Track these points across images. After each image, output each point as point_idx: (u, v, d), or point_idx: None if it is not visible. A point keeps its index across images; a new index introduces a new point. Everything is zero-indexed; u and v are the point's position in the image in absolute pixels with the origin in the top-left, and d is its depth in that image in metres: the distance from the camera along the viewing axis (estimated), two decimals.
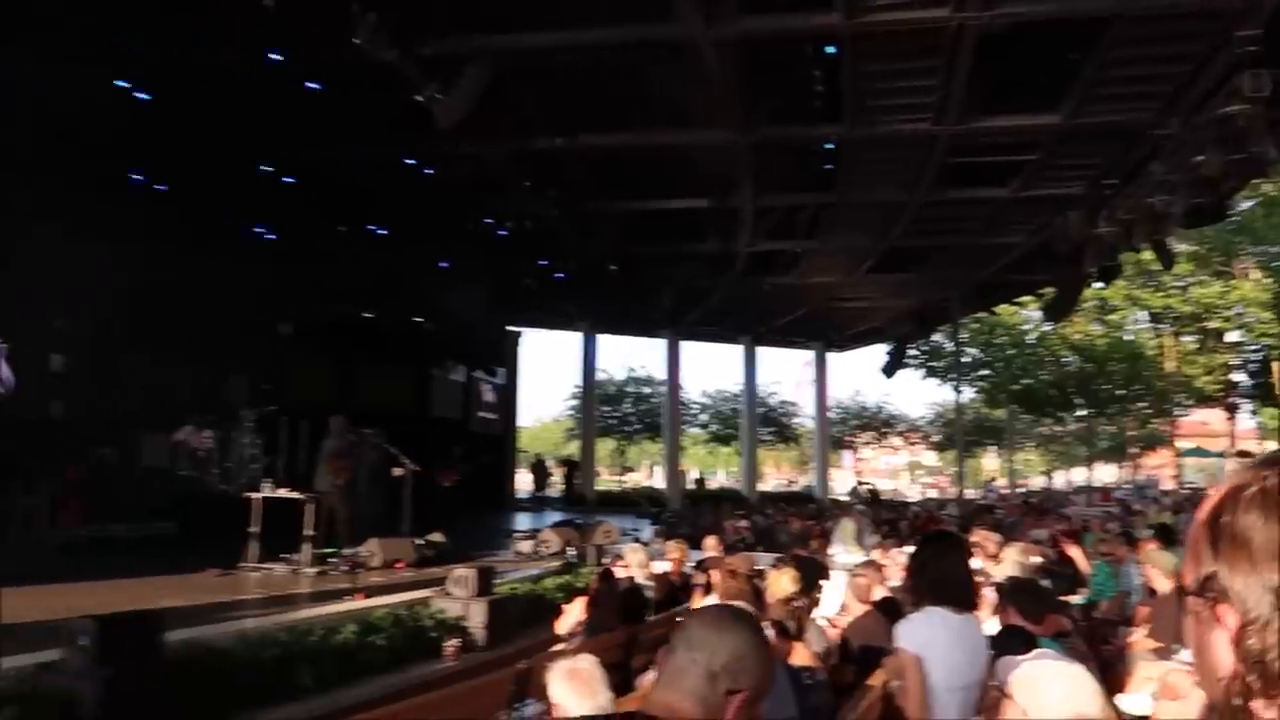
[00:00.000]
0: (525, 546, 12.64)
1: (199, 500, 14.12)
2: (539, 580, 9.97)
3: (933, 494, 44.57)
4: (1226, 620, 0.80)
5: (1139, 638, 6.11)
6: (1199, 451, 39.61)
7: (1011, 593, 4.52)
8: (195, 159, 14.11)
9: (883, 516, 17.27)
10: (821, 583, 6.24)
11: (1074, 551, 9.43)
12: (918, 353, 34.80)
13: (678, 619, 5.74)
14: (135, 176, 15.35)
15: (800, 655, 4.22)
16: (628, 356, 71.84)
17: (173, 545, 12.47)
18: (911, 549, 4.35)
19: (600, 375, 35.04)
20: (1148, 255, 18.26)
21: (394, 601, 7.85)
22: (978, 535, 8.12)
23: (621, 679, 5.61)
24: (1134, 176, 13.35)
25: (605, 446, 42.62)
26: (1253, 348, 34.12)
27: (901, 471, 63.35)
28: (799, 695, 3.62)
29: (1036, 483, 52.14)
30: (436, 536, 11.94)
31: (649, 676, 5.05)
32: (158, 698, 5.08)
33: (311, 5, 10.19)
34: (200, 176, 14.75)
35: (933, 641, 3.30)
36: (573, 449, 35.01)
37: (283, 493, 11.23)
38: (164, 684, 5.16)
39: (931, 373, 37.65)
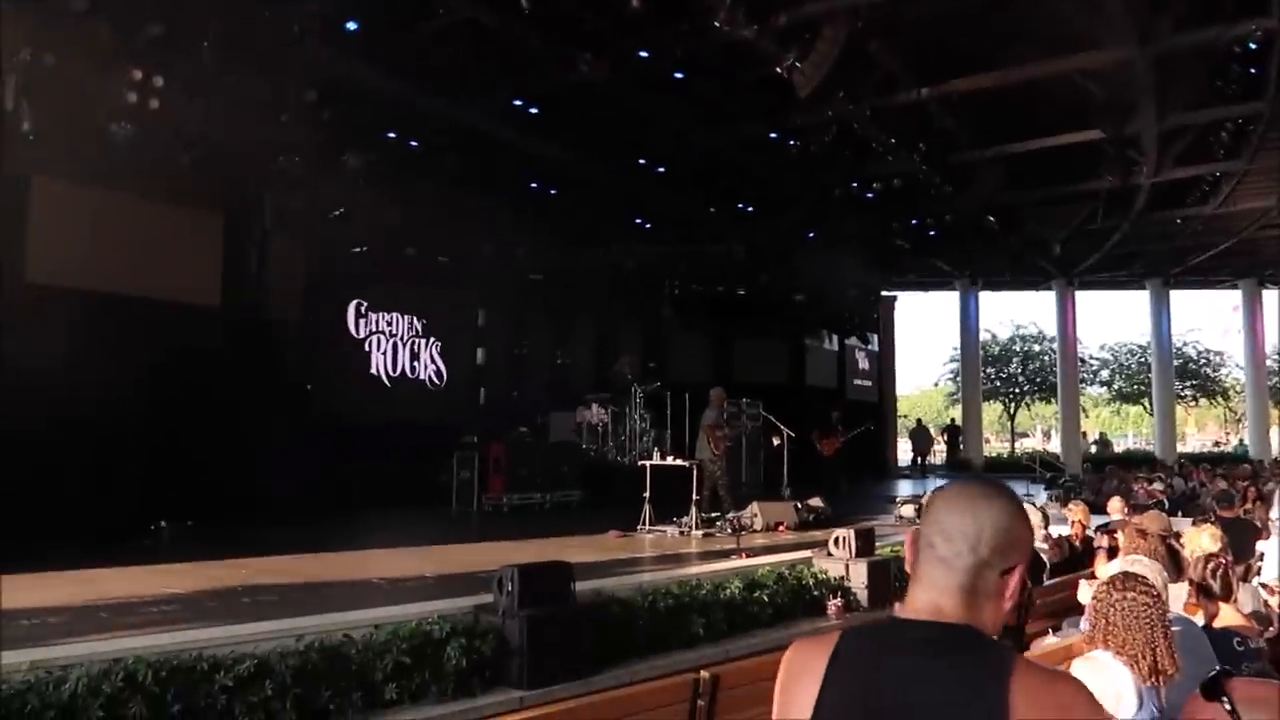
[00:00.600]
0: (907, 511, 12.30)
1: (600, 470, 15.51)
2: None
3: None
4: None
5: None
6: None
7: None
8: (580, 160, 15.42)
9: None
10: (1259, 547, 5.36)
11: None
12: None
13: (1080, 583, 5.27)
14: (532, 184, 17.13)
15: (1229, 618, 3.67)
16: (1012, 313, 67.06)
17: (579, 510, 13.86)
18: None
19: (983, 335, 32.99)
20: None
21: (776, 561, 8.05)
22: None
23: (1014, 642, 5.28)
24: None
25: (992, 411, 40.10)
26: None
27: None
28: (1229, 661, 3.15)
29: None
30: (816, 501, 12.03)
31: (1047, 641, 4.71)
32: (571, 636, 5.69)
33: None
34: (587, 175, 16.12)
35: None
36: (955, 415, 33.37)
37: (670, 461, 12.00)
38: (576, 625, 5.76)
39: None
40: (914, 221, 19.89)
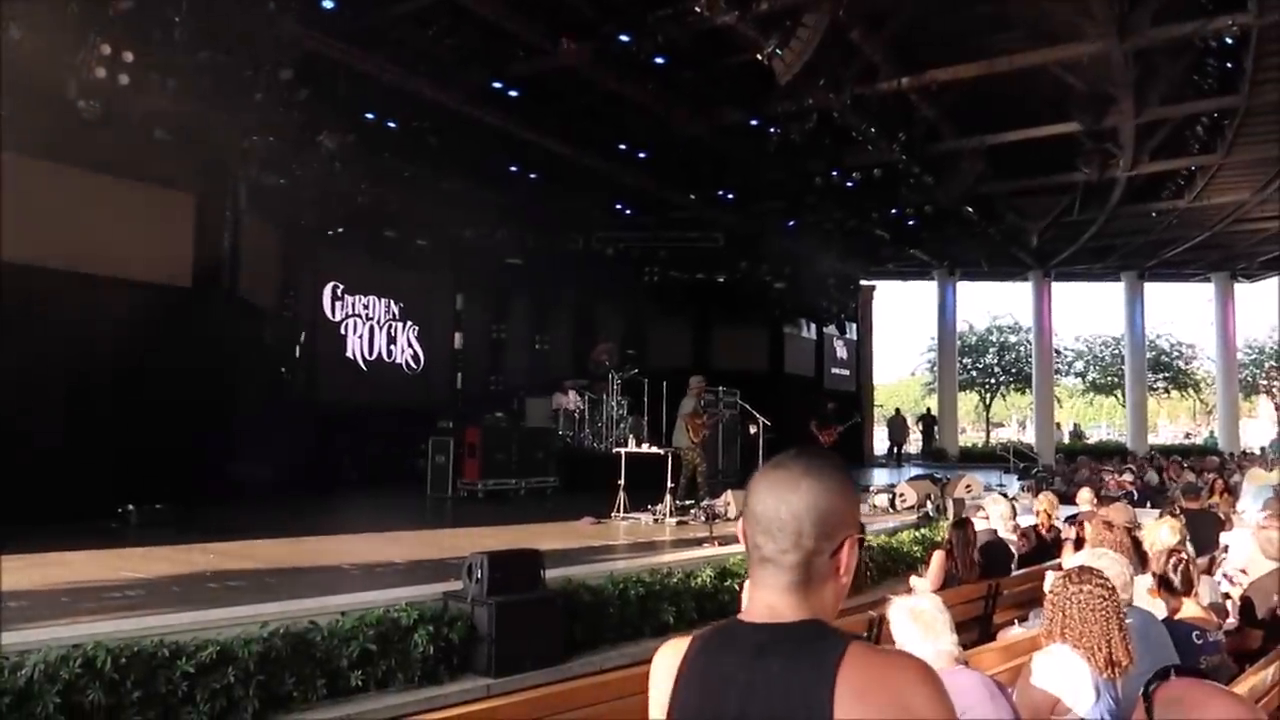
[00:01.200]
0: (881, 501, 12.38)
1: (575, 456, 15.49)
2: (895, 534, 9.72)
3: None
4: None
5: None
6: None
7: None
8: (560, 145, 15.31)
9: None
10: (1223, 539, 5.42)
11: None
12: None
13: (1047, 573, 5.30)
14: (512, 168, 17.02)
15: (1189, 610, 3.70)
16: (989, 304, 67.50)
17: (554, 497, 13.84)
18: None
19: (960, 325, 33.17)
20: None
21: None
22: None
23: (981, 632, 5.32)
24: None
25: (968, 401, 40.37)
26: None
27: None
28: (1187, 653, 3.18)
29: None
30: None
31: (1013, 631, 4.74)
32: (540, 624, 5.68)
33: None
34: (567, 160, 16.02)
35: None
36: (931, 404, 33.57)
37: (646, 449, 12.00)
38: (545, 613, 5.75)
39: None
40: (893, 211, 19.94)
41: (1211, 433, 34.55)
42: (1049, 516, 7.42)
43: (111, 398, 9.73)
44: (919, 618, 2.88)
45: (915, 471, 19.81)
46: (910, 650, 2.72)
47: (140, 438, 9.68)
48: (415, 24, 12.20)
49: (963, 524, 5.99)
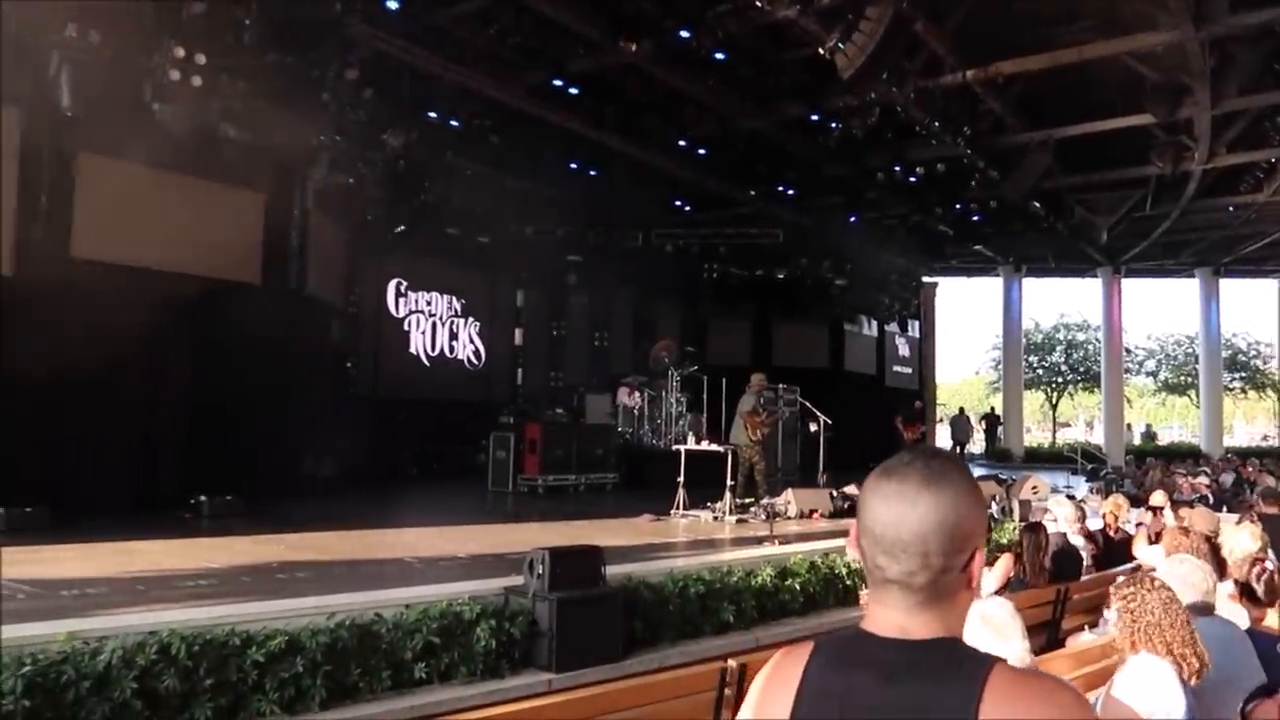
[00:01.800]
0: None
1: (635, 453, 15.50)
2: None
3: None
4: None
5: None
6: None
7: None
8: (620, 142, 15.32)
9: None
10: None
11: None
12: None
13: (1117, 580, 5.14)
14: (572, 165, 17.07)
15: (1272, 622, 3.55)
16: (1056, 301, 65.68)
17: (613, 493, 13.87)
18: None
19: (1026, 323, 32.44)
20: None
21: (809, 549, 7.98)
22: None
23: (1050, 637, 5.19)
24: None
25: (1033, 401, 39.49)
26: None
27: None
28: (1271, 667, 3.05)
29: None
30: (852, 489, 11.92)
31: (1084, 637, 4.60)
32: (600, 620, 5.68)
33: None
34: (627, 157, 16.03)
35: None
36: (995, 403, 32.90)
37: (706, 446, 11.96)
38: (606, 609, 5.75)
39: None
40: (957, 206, 19.55)
41: None
42: (1116, 519, 7.21)
43: (185, 392, 10.02)
44: (990, 621, 2.81)
45: (979, 472, 19.43)
46: None
47: (211, 431, 9.95)
48: (477, 23, 12.31)
49: (1035, 527, 5.84)
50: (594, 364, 20.33)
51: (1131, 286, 28.54)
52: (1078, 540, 6.37)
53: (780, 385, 16.36)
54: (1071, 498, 8.57)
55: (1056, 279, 31.79)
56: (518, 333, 19.92)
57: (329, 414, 13.98)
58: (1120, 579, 3.22)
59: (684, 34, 12.09)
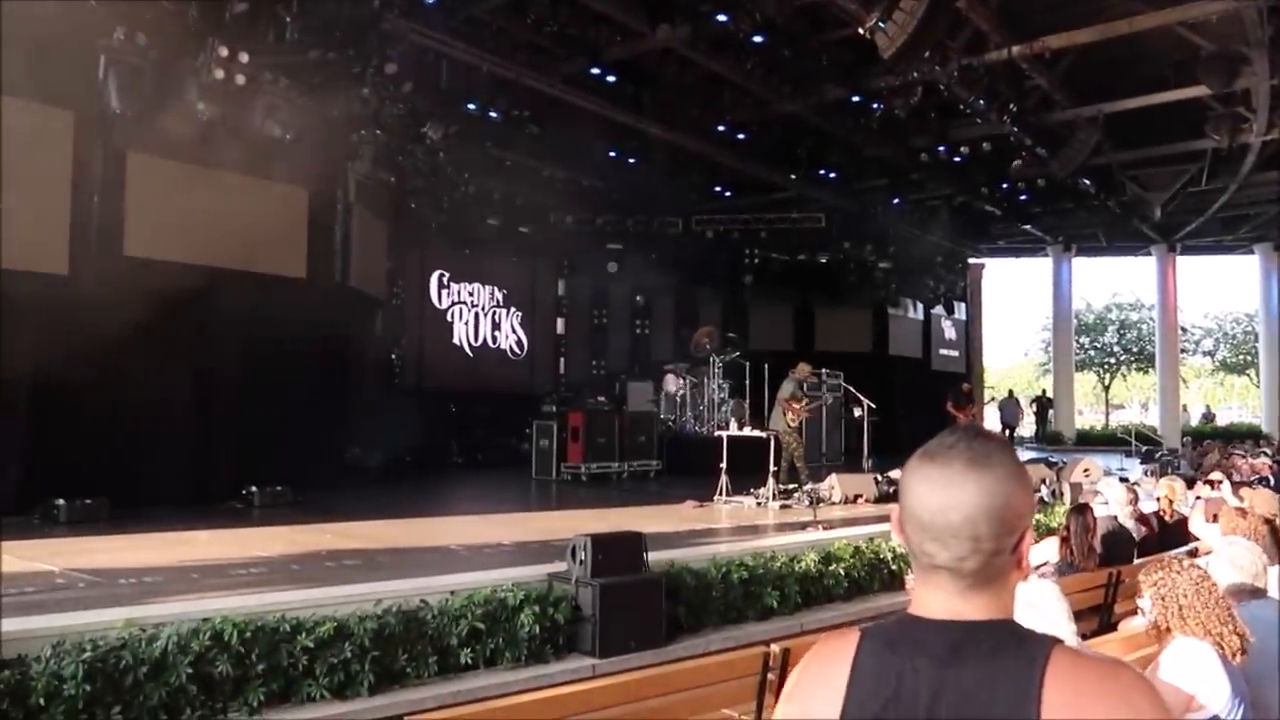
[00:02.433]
0: None
1: (678, 440, 15.50)
2: None
3: None
4: None
5: None
6: None
7: None
8: (659, 129, 15.26)
9: None
10: None
11: None
12: None
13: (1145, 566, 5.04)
14: (611, 153, 17.06)
15: None
16: (1109, 280, 64.34)
17: (656, 480, 13.89)
18: None
19: (1077, 303, 31.79)
20: None
21: (854, 534, 7.93)
22: None
23: (1101, 621, 5.10)
24: None
25: (1085, 382, 38.73)
26: None
27: None
28: None
29: None
30: (897, 474, 11.78)
31: (1135, 621, 4.51)
32: (644, 606, 5.71)
33: None
34: (666, 143, 15.97)
35: None
36: (1046, 386, 32.33)
37: (748, 432, 11.91)
38: (649, 595, 5.77)
39: None
40: (1004, 185, 19.18)
41: None
42: (1171, 503, 7.04)
43: (235, 385, 10.22)
44: (1035, 605, 2.77)
45: (1029, 456, 19.13)
46: None
47: (261, 423, 10.15)
48: (513, 12, 12.34)
49: (1082, 510, 5.73)
50: (635, 352, 20.36)
51: (1187, 264, 27.87)
52: (1129, 523, 6.24)
53: (824, 370, 16.24)
54: (1125, 480, 8.41)
55: (1108, 258, 31.12)
56: (559, 322, 20.03)
57: (375, 405, 14.19)
58: (1147, 565, 3.16)
59: (721, 17, 12.01)
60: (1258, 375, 31.62)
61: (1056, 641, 1.18)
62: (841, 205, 19.88)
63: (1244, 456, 14.67)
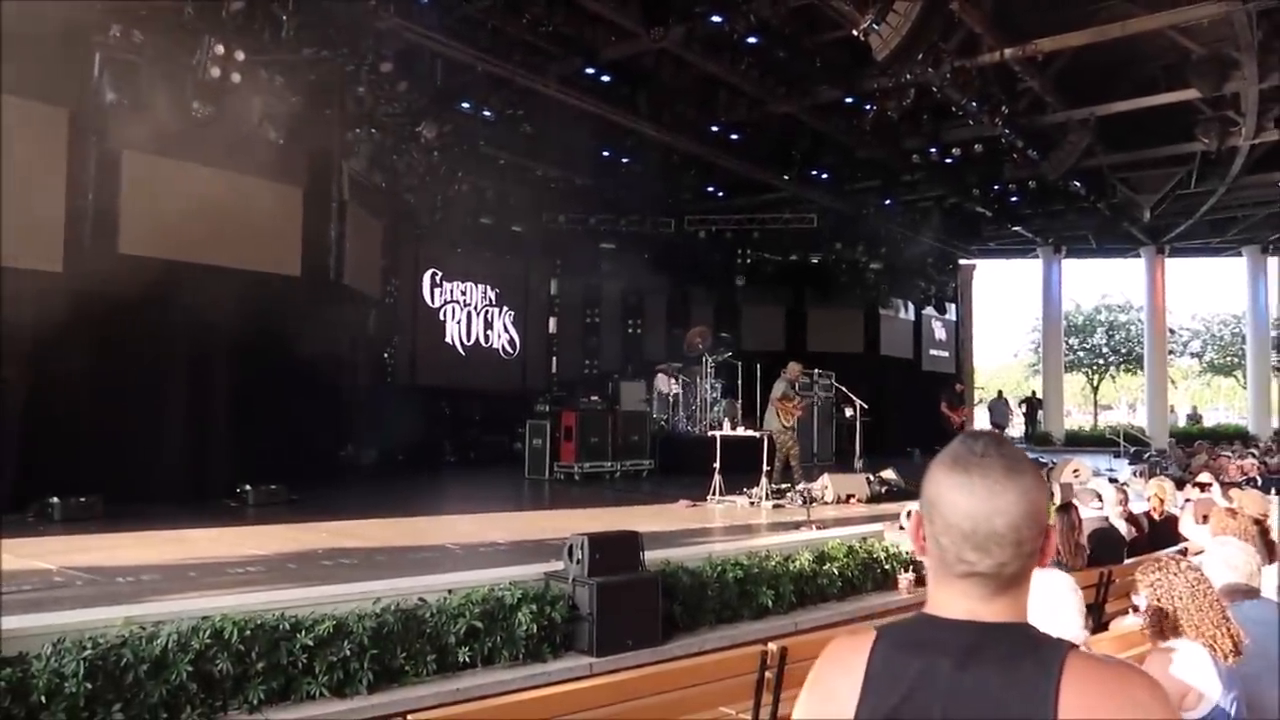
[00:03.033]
0: None
1: (670, 440, 15.54)
2: None
3: None
4: None
5: None
6: None
7: None
8: (653, 129, 15.27)
9: None
10: None
11: None
12: None
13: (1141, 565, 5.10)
14: (604, 153, 17.07)
15: None
16: (1098, 282, 64.57)
17: (649, 479, 13.93)
18: None
19: (1066, 305, 31.96)
20: None
21: (847, 534, 7.98)
22: None
23: (1093, 621, 5.16)
24: None
25: (1074, 383, 38.93)
26: None
27: None
28: None
29: None
30: (889, 474, 11.88)
31: (1127, 621, 4.57)
32: (640, 605, 5.74)
33: None
34: (659, 144, 15.99)
35: None
36: (1035, 387, 32.49)
37: (741, 432, 11.97)
38: (645, 594, 5.81)
39: None
40: (995, 187, 19.28)
41: None
42: (1160, 501, 7.11)
43: (229, 383, 10.22)
44: (1046, 597, 2.80)
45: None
46: None
47: (255, 421, 10.15)
48: (508, 11, 12.34)
49: (1066, 508, 5.80)
50: (628, 351, 20.40)
51: (1175, 266, 27.97)
52: (1119, 523, 6.31)
53: (815, 370, 16.30)
54: (1113, 481, 8.49)
55: (1097, 259, 31.25)
56: (552, 321, 20.05)
57: (368, 403, 14.18)
58: (1144, 564, 3.20)
59: (716, 19, 12.04)
60: (1244, 377, 31.86)
61: (1072, 646, 1.21)
62: (834, 206, 19.94)
63: (1231, 458, 14.80)
